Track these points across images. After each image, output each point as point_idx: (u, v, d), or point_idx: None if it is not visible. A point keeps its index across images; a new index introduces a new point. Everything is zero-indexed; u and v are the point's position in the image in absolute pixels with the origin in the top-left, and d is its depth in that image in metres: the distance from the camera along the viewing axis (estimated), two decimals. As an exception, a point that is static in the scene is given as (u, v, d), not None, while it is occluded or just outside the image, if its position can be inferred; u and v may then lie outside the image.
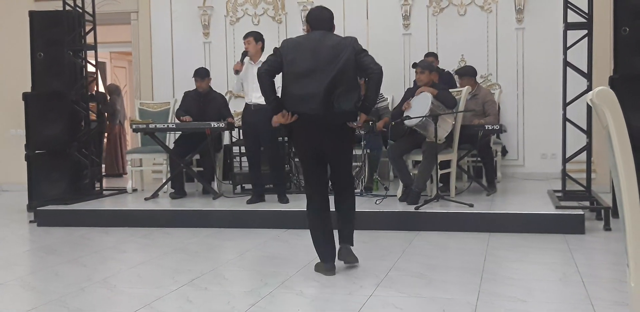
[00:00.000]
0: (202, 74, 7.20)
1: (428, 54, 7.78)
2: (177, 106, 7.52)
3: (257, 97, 6.29)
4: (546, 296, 3.71)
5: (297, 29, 8.63)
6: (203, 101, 7.22)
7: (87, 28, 7.51)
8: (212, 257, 4.95)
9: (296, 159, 7.56)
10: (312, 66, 4.10)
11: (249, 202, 6.45)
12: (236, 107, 8.42)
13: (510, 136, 8.18)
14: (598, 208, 5.87)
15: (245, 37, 6.54)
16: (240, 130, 7.93)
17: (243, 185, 7.22)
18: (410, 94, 6.48)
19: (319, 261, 4.29)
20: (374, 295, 3.72)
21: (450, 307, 3.46)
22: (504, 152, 8.14)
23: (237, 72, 6.51)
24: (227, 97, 7.87)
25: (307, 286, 3.96)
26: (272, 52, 4.24)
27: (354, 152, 7.10)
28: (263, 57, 6.44)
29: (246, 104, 6.55)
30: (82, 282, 4.17)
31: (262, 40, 6.55)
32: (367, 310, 3.46)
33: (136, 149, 7.94)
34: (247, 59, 6.48)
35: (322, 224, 4.28)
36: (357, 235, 5.45)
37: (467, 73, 6.99)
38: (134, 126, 7.14)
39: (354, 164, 7.55)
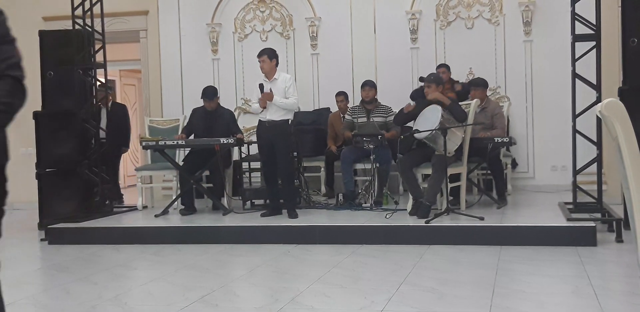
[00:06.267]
0: (210, 95, 7.16)
1: (440, 66, 7.80)
2: (186, 122, 7.55)
3: (271, 114, 6.43)
4: (559, 309, 3.68)
5: (305, 44, 8.66)
6: (210, 118, 7.22)
7: (97, 47, 7.56)
8: (223, 274, 4.93)
9: (306, 174, 7.57)
10: None
11: (263, 215, 6.47)
12: (246, 123, 8.45)
13: (520, 148, 8.16)
14: (610, 220, 5.83)
15: (260, 55, 6.53)
16: (249, 146, 7.95)
17: (253, 200, 7.21)
18: (418, 98, 6.44)
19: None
20: (385, 310, 3.70)
21: (463, 322, 3.44)
22: (514, 164, 8.10)
23: (263, 108, 6.47)
24: (236, 113, 7.87)
25: (318, 302, 3.95)
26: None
27: (363, 167, 7.15)
28: (277, 74, 6.53)
29: (260, 120, 6.57)
30: (93, 300, 4.17)
31: (276, 57, 6.57)
32: (379, 325, 3.44)
33: (146, 166, 7.96)
34: (262, 77, 6.55)
35: None
36: (368, 250, 5.47)
37: (481, 84, 7.00)
38: (143, 143, 7.15)
39: (364, 178, 7.58)
